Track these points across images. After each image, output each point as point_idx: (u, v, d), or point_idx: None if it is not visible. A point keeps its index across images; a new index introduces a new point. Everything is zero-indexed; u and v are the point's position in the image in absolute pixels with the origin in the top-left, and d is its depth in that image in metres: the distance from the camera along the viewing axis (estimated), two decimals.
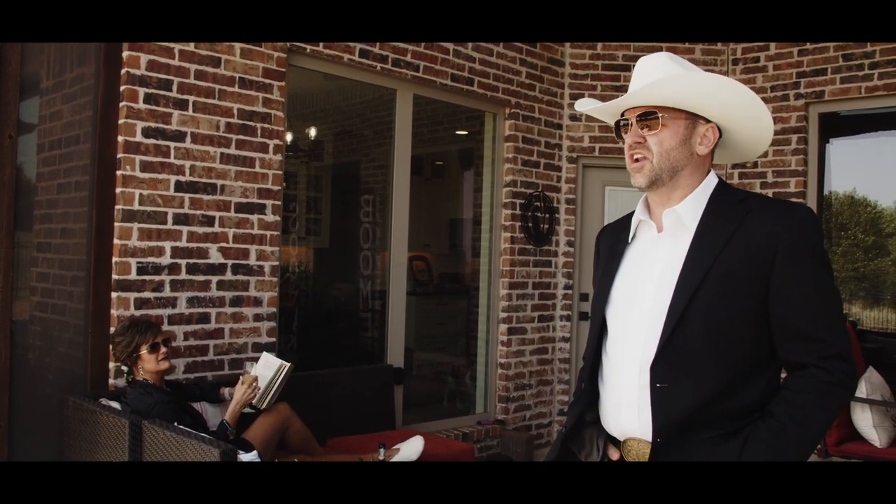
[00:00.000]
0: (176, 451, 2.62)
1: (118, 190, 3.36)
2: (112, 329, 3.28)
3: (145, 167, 3.40)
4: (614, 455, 1.63)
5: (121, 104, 3.37)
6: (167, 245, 3.47)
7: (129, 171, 3.36)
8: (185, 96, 3.52)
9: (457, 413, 5.30)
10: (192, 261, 3.55)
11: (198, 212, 3.57)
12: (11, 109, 2.99)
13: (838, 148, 5.18)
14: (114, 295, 3.35)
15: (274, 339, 3.87)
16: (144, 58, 3.39)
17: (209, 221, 3.61)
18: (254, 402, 3.23)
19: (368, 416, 4.18)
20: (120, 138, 3.36)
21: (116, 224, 3.35)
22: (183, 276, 3.52)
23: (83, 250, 3.38)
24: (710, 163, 1.64)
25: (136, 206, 3.38)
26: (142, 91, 3.38)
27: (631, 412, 1.57)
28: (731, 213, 1.55)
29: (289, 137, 5.41)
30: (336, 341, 6.06)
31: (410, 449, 3.52)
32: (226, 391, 3.41)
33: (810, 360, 1.48)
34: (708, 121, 1.60)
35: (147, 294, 3.41)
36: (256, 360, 3.37)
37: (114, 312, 3.34)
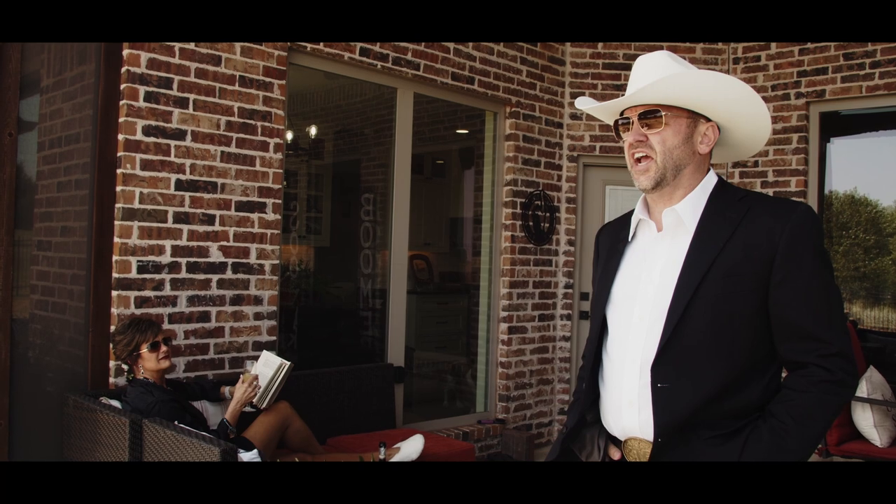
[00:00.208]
0: (176, 449, 2.62)
1: (118, 188, 3.36)
2: (112, 327, 3.28)
3: (146, 165, 3.40)
4: (615, 455, 1.63)
5: (121, 102, 3.37)
6: (167, 243, 3.47)
7: (130, 170, 3.36)
8: (185, 95, 3.52)
9: (457, 412, 5.30)
10: (192, 259, 3.55)
11: (198, 210, 3.57)
12: (12, 108, 2.98)
13: (839, 147, 5.17)
14: (114, 293, 3.35)
15: (274, 338, 3.87)
16: (145, 56, 3.39)
17: (209, 220, 3.61)
18: (254, 400, 3.24)
19: (369, 414, 4.18)
20: (120, 137, 3.36)
21: (117, 222, 3.35)
22: (183, 274, 3.53)
23: (83, 249, 3.38)
24: (709, 161, 1.64)
25: (136, 205, 3.38)
26: (142, 89, 3.38)
27: (632, 412, 1.57)
28: (730, 212, 1.55)
29: (289, 136, 5.41)
30: (336, 340, 6.06)
31: (411, 448, 3.52)
32: (226, 390, 3.41)
33: (811, 358, 1.48)
34: (708, 119, 1.60)
35: (147, 292, 3.41)
36: (257, 358, 3.37)
37: (114, 311, 3.34)
